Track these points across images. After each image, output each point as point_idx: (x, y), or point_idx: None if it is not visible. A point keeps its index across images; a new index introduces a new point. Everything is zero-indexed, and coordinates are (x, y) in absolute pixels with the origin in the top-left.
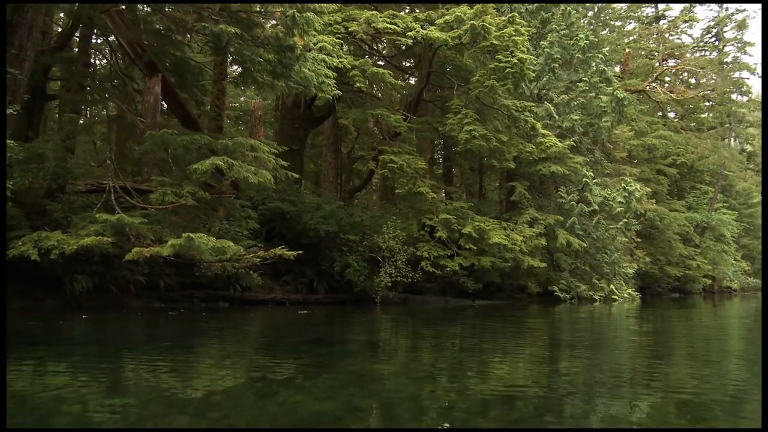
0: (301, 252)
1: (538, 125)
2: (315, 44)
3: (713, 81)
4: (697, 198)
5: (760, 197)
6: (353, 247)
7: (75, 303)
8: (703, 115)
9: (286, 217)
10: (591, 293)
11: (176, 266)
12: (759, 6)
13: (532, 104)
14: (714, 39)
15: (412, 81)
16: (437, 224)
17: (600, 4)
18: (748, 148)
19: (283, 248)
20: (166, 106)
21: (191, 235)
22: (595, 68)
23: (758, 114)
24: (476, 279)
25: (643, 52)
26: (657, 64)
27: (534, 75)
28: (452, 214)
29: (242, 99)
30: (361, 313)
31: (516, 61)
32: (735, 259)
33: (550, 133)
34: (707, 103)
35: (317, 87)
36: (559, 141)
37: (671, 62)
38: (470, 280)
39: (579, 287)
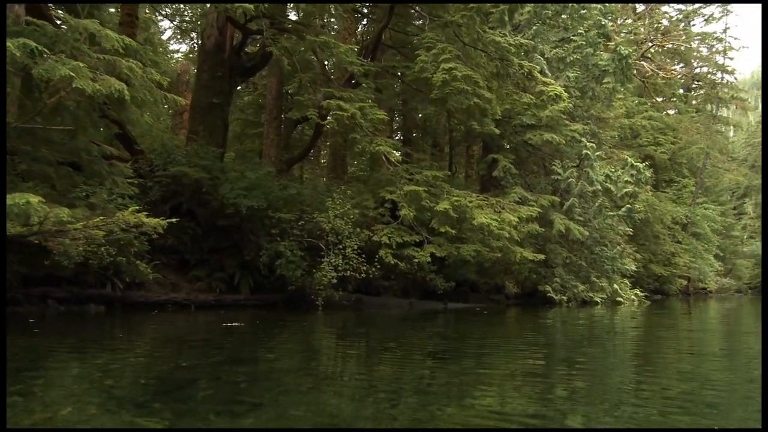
0: (175, 221)
1: (536, 70)
2: None
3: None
4: (678, 191)
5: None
6: (287, 230)
7: None
8: (687, 102)
9: (199, 190)
10: (590, 294)
11: (22, 251)
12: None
13: (528, 41)
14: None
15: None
16: (401, 199)
17: None
18: (731, 134)
19: (135, 209)
20: None
21: None
22: (592, 21)
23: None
24: (446, 276)
25: (626, 29)
26: (641, 41)
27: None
28: (421, 186)
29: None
30: (296, 321)
31: None
32: (712, 258)
33: (552, 81)
34: (695, 85)
35: None
36: (564, 93)
37: (651, 43)
38: (440, 278)
39: (576, 287)
